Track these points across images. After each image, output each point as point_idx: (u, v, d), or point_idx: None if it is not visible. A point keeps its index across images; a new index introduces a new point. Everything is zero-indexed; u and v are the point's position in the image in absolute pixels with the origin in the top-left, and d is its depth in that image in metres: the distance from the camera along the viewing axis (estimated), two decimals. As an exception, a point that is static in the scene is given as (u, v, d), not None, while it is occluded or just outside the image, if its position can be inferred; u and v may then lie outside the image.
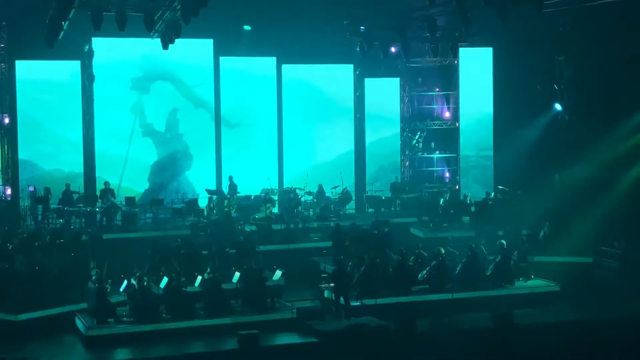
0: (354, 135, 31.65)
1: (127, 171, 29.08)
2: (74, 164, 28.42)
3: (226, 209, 27.22)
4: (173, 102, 29.75)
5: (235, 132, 30.37)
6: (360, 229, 26.21)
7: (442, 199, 29.09)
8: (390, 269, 22.87)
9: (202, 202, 28.02)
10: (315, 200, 29.28)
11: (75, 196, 27.12)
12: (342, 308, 21.23)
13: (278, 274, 22.31)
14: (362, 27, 28.86)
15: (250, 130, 30.53)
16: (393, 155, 32.18)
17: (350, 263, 22.96)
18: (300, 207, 28.66)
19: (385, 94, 32.05)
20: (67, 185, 27.10)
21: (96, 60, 28.35)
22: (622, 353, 18.07)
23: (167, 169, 29.69)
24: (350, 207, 30.25)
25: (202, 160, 30.04)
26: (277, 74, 30.63)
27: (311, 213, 28.99)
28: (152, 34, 25.20)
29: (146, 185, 29.35)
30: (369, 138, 31.89)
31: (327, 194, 29.48)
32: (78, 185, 27.67)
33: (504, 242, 23.77)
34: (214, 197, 28.22)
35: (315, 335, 20.06)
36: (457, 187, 31.71)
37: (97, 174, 28.51)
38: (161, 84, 29.54)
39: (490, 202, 28.25)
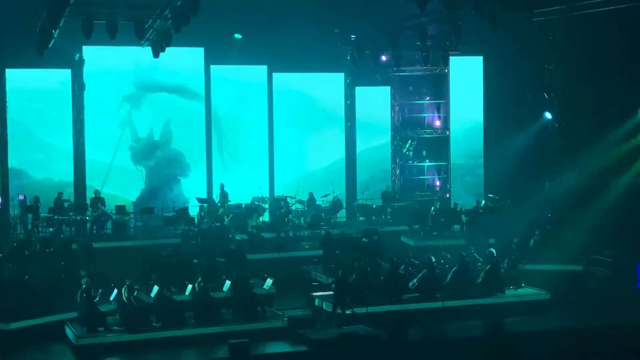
0: (345, 144, 31.70)
1: (118, 180, 29.02)
2: (64, 173, 28.38)
3: (220, 218, 27.17)
4: (164, 110, 29.74)
5: (227, 140, 30.41)
6: (351, 237, 26.22)
7: (432, 208, 29.14)
8: (381, 277, 22.86)
9: (192, 211, 27.97)
10: (306, 208, 29.28)
11: (65, 204, 27.04)
12: (335, 317, 21.19)
13: (269, 282, 22.29)
14: (352, 36, 28.94)
15: (241, 138, 30.57)
16: (384, 164, 32.23)
17: (340, 271, 22.95)
18: (291, 216, 28.64)
19: (376, 102, 32.12)
20: (60, 194, 27.03)
21: (87, 69, 28.34)
22: (612, 361, 18.12)
23: (160, 178, 29.64)
24: (341, 215, 30.26)
25: (192, 168, 30.04)
26: (268, 82, 30.67)
27: (302, 221, 28.98)
28: (142, 42, 25.20)
29: (137, 194, 29.28)
30: (360, 146, 31.94)
31: (317, 203, 29.48)
32: (68, 194, 27.61)
33: (494, 251, 23.81)
34: (205, 205, 28.21)
35: (306, 344, 20.01)
36: (447, 195, 31.76)
37: (87, 183, 28.45)
38: (151, 92, 29.53)
39: (480, 211, 28.31)
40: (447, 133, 32.07)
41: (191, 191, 29.57)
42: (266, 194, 29.80)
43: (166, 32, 24.31)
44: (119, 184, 29.03)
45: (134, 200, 29.01)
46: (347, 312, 21.38)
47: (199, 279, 21.61)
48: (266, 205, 28.95)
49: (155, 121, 29.72)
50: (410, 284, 22.69)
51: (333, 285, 21.80)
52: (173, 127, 29.81)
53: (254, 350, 19.22)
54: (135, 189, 29.32)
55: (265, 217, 28.88)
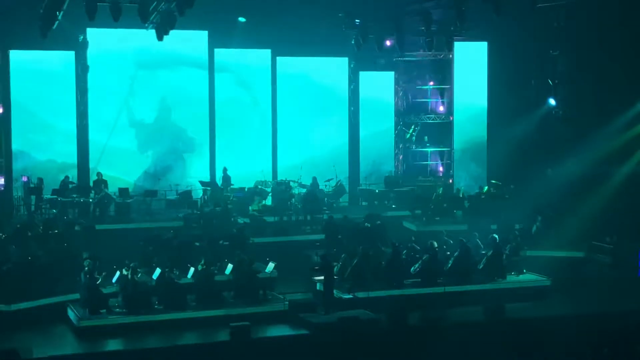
0: (348, 129, 31.67)
1: (119, 161, 29.03)
2: (67, 155, 28.39)
3: (228, 200, 27.24)
4: (167, 93, 29.70)
5: (230, 123, 30.39)
6: (353, 222, 26.25)
7: (435, 193, 29.16)
8: (383, 262, 22.91)
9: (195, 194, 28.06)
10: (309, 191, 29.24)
11: (70, 186, 27.07)
12: (331, 301, 21.25)
13: (271, 266, 22.35)
14: (357, 20, 28.84)
15: (245, 122, 30.56)
16: (387, 149, 32.19)
17: (343, 256, 23.02)
18: (293, 200, 28.65)
19: (379, 87, 32.06)
20: (66, 177, 27.07)
21: (90, 51, 28.30)
22: (612, 347, 18.14)
23: (163, 159, 29.63)
24: (344, 200, 30.27)
25: (196, 152, 30.05)
26: (272, 66, 30.61)
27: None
28: (146, 25, 25.16)
29: (142, 177, 29.29)
30: (363, 131, 31.90)
31: (321, 187, 29.48)
32: (72, 176, 27.63)
33: (496, 237, 23.85)
34: (208, 189, 28.24)
35: (307, 327, 20.10)
36: (450, 180, 31.76)
37: (90, 165, 28.49)
38: (155, 75, 29.49)
39: (483, 196, 28.32)
40: (451, 118, 32.02)
41: (194, 175, 29.55)
42: (269, 178, 29.80)
43: (170, 14, 24.28)
44: (120, 165, 29.00)
45: (135, 179, 28.99)
46: (348, 296, 21.44)
47: (201, 262, 21.70)
48: (269, 189, 28.96)
49: (157, 103, 29.66)
50: (412, 269, 22.74)
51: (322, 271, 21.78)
52: (175, 109, 29.77)
53: (255, 333, 19.34)
54: (137, 170, 29.31)
55: (268, 201, 28.89)
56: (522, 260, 24.15)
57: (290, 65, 30.91)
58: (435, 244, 23.17)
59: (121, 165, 29.04)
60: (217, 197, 27.69)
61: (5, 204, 27.15)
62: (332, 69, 31.45)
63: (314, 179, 29.42)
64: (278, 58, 30.56)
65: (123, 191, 27.33)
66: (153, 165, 29.49)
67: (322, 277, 21.74)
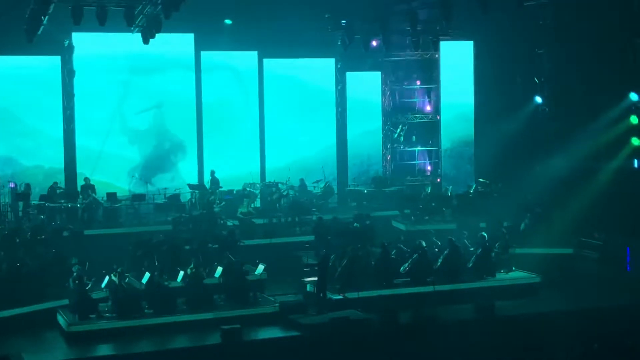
0: (336, 129, 31.68)
1: (109, 167, 28.94)
2: (54, 160, 28.29)
3: (211, 202, 27.19)
4: (154, 97, 29.63)
5: (218, 126, 30.33)
6: (343, 222, 26.26)
7: (423, 192, 29.18)
8: (373, 262, 22.93)
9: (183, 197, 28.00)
10: (297, 194, 29.27)
11: (58, 191, 26.97)
12: (323, 301, 21.26)
13: (260, 268, 22.33)
14: (343, 21, 28.86)
15: (232, 125, 30.51)
16: (375, 149, 32.22)
17: (332, 256, 23.03)
18: (282, 201, 28.63)
19: (366, 87, 32.09)
20: (55, 183, 26.97)
21: (76, 55, 28.21)
22: (602, 343, 18.19)
23: (155, 164, 29.55)
24: (333, 200, 30.27)
25: (185, 155, 29.99)
26: (259, 68, 30.59)
27: (293, 207, 28.96)
28: (132, 28, 25.12)
29: (129, 180, 29.22)
30: (351, 132, 31.92)
31: (309, 188, 29.48)
32: (59, 181, 27.52)
33: (485, 235, 23.90)
34: (196, 192, 28.19)
35: (298, 329, 20.10)
36: (438, 180, 31.81)
37: (78, 170, 28.38)
38: (142, 79, 29.41)
39: (471, 195, 28.38)
40: (438, 118, 32.08)
41: (183, 178, 29.48)
42: (257, 180, 29.78)
43: (156, 18, 24.22)
44: (110, 170, 28.92)
45: (128, 185, 28.92)
46: (338, 296, 21.44)
47: (191, 265, 21.66)
48: (257, 191, 28.94)
49: (146, 107, 29.59)
50: (402, 268, 22.76)
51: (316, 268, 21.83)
52: (164, 113, 29.69)
53: (246, 335, 19.31)
54: (127, 175, 29.22)
55: (257, 203, 28.87)
56: (511, 257, 24.20)
57: (277, 66, 30.90)
58: (424, 243, 23.21)
59: (112, 170, 28.93)
60: (205, 200, 27.64)
61: (-8, 211, 27.03)
62: (319, 70, 31.45)
63: (302, 180, 29.44)
64: (265, 60, 30.54)
65: (111, 196, 27.24)
66: (143, 169, 29.38)
67: (314, 278, 21.74)
